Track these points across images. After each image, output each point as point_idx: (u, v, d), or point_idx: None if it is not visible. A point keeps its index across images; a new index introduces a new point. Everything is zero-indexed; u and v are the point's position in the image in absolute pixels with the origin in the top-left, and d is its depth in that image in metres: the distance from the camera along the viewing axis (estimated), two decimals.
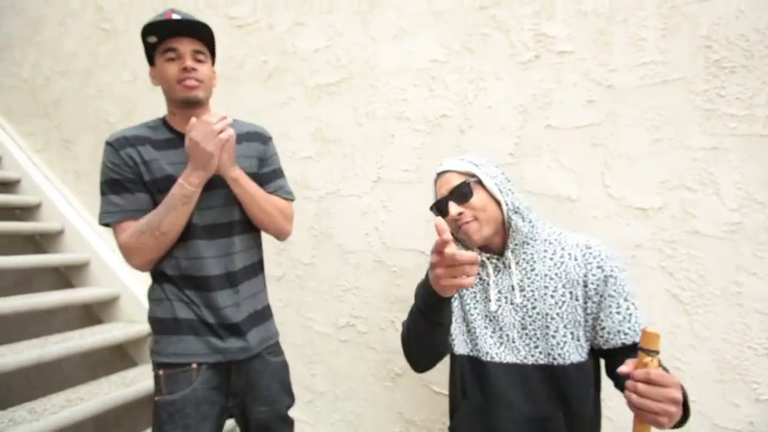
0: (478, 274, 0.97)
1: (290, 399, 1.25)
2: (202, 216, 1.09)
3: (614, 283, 0.88)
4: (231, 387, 1.14)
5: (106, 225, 1.08)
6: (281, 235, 1.24)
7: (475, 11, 1.48)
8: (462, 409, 0.94)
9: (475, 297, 0.97)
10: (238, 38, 1.93)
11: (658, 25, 1.26)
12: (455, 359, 0.98)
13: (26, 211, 2.53)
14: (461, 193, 0.93)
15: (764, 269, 1.15)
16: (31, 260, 2.08)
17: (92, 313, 2.24)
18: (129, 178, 1.06)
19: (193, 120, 1.03)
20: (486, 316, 0.94)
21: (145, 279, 2.15)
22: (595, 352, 0.92)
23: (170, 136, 1.13)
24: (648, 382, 0.65)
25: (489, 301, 0.94)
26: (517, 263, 0.93)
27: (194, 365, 1.07)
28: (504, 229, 0.95)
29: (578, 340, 0.89)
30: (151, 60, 1.11)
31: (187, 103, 1.10)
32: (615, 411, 1.25)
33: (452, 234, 0.82)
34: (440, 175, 1.00)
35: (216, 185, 1.10)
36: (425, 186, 1.53)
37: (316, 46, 1.75)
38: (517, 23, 1.42)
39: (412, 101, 1.57)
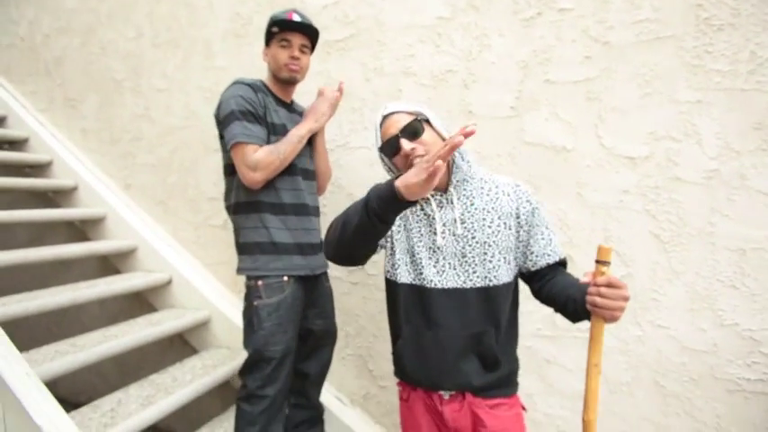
0: (423, 208, 1.03)
1: (334, 317, 1.60)
2: (300, 159, 1.42)
3: (538, 215, 1.02)
4: (308, 299, 1.45)
5: (237, 144, 1.31)
6: (323, 187, 1.62)
7: None
8: (404, 333, 1.04)
9: (420, 231, 1.03)
10: None
11: None
12: (398, 288, 1.04)
13: (37, 169, 2.59)
14: (413, 130, 0.96)
15: (736, 211, 1.29)
16: (48, 214, 2.15)
17: (108, 266, 2.35)
18: (260, 115, 1.35)
19: (324, 87, 1.47)
20: (431, 248, 1.01)
21: (161, 232, 2.26)
22: (520, 274, 1.06)
23: (273, 95, 1.44)
24: (610, 285, 0.79)
25: (434, 234, 1.01)
26: (458, 198, 1.01)
27: (286, 278, 1.37)
28: (448, 167, 1.00)
29: (509, 264, 1.01)
30: (267, 42, 1.43)
31: (287, 82, 1.43)
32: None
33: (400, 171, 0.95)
34: (386, 117, 1.02)
35: (308, 141, 1.44)
36: None
37: (324, 2, 1.79)
38: None
39: (418, 57, 1.64)
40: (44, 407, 1.11)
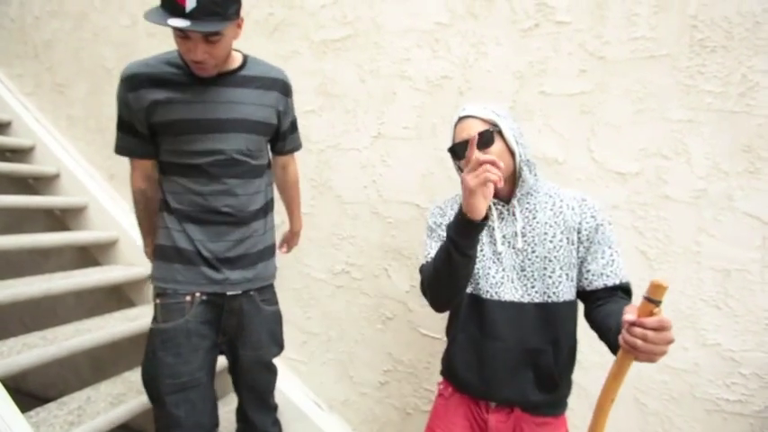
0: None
1: (277, 348, 1.34)
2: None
3: (603, 232, 0.98)
4: (228, 324, 1.22)
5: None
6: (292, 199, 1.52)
7: None
8: (459, 339, 1.04)
9: (480, 240, 1.02)
10: None
11: (651, 2, 1.34)
12: None
13: (18, 155, 2.52)
14: (483, 140, 0.96)
15: (722, 232, 1.30)
16: (27, 201, 2.09)
17: (87, 257, 2.29)
18: (131, 121, 1.18)
19: None
20: (490, 258, 1.01)
21: None
22: (577, 292, 1.02)
23: (182, 76, 1.13)
24: (659, 329, 0.68)
25: (494, 244, 1.02)
26: (521, 211, 1.01)
27: (189, 297, 1.15)
28: (513, 179, 1.01)
29: (571, 281, 0.99)
30: None
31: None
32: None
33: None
34: (462, 119, 1.02)
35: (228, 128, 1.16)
36: (423, 143, 1.62)
37: (322, 2, 1.77)
38: None
39: (415, 61, 1.63)
40: None
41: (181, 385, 1.13)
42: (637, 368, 1.37)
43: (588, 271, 0.98)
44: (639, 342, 0.69)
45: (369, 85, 1.70)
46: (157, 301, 1.16)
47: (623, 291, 0.97)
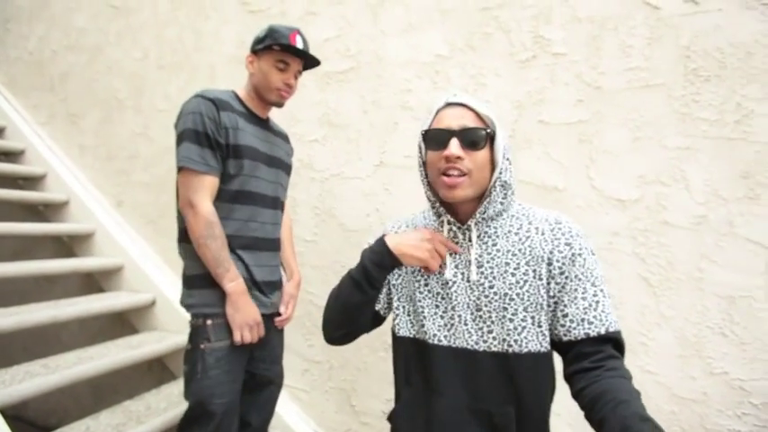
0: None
1: (282, 363, 1.43)
2: (270, 187, 1.32)
3: (582, 264, 0.76)
4: (258, 340, 1.26)
5: (185, 168, 1.19)
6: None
7: (479, 11, 1.59)
8: (403, 396, 0.86)
9: (424, 272, 0.85)
10: (251, 23, 2.02)
11: (645, 34, 1.38)
12: (399, 342, 0.88)
13: (29, 182, 2.58)
14: (474, 139, 0.76)
15: (724, 258, 1.29)
16: (37, 228, 2.14)
17: (92, 284, 2.31)
18: (217, 138, 1.20)
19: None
20: (438, 293, 0.83)
21: (149, 251, 2.23)
22: (552, 343, 0.79)
23: (245, 111, 1.29)
24: None
25: (442, 276, 0.82)
26: (479, 236, 0.81)
27: None
28: (480, 197, 0.80)
29: (539, 326, 0.77)
30: (256, 50, 1.25)
31: (273, 104, 1.31)
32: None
33: (426, 178, 0.83)
34: (451, 104, 0.81)
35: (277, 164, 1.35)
36: None
37: (326, 35, 1.84)
38: (517, 25, 1.53)
39: (416, 92, 1.68)
40: None
41: (228, 404, 1.17)
42: (644, 398, 1.34)
43: (565, 315, 0.75)
44: None
45: (371, 115, 1.75)
46: (209, 322, 1.18)
47: (613, 344, 0.74)
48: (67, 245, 2.41)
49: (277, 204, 1.35)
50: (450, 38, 1.63)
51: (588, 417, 0.68)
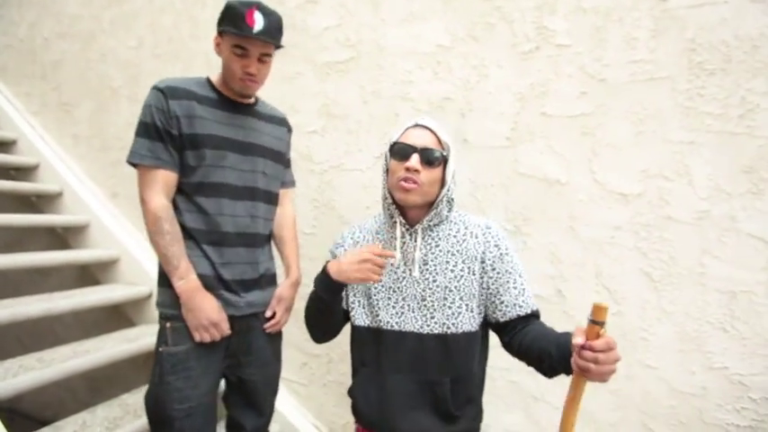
0: (389, 232, 1.03)
1: (279, 364, 1.35)
2: (247, 177, 1.22)
3: (509, 261, 0.97)
4: (238, 343, 1.21)
5: (136, 164, 1.12)
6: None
7: (481, 1, 1.56)
8: (360, 373, 1.02)
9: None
10: None
11: (650, 26, 1.36)
12: (355, 331, 1.05)
13: (22, 172, 2.54)
14: (431, 158, 0.95)
15: (726, 253, 1.29)
16: (29, 219, 2.10)
17: (87, 276, 2.28)
18: (168, 130, 1.11)
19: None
20: (390, 287, 1.00)
21: (145, 243, 2.20)
22: (488, 324, 1.01)
23: (216, 97, 1.19)
24: (608, 350, 0.70)
25: (394, 272, 1.00)
26: (423, 238, 0.99)
27: None
28: (428, 207, 0.99)
29: (471, 312, 0.97)
30: (220, 31, 1.14)
31: (239, 94, 1.19)
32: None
33: (387, 185, 1.00)
34: (419, 126, 0.99)
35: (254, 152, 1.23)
36: None
37: (326, 24, 1.81)
38: (520, 15, 1.51)
39: (417, 83, 1.65)
40: None
41: (188, 410, 1.10)
42: (644, 392, 1.35)
43: (502, 302, 0.96)
44: (592, 365, 0.71)
45: (371, 106, 1.72)
46: (168, 324, 1.12)
47: (534, 317, 0.98)
48: (62, 237, 2.37)
49: (257, 195, 1.22)
50: (452, 28, 1.60)
51: (516, 354, 0.95)
